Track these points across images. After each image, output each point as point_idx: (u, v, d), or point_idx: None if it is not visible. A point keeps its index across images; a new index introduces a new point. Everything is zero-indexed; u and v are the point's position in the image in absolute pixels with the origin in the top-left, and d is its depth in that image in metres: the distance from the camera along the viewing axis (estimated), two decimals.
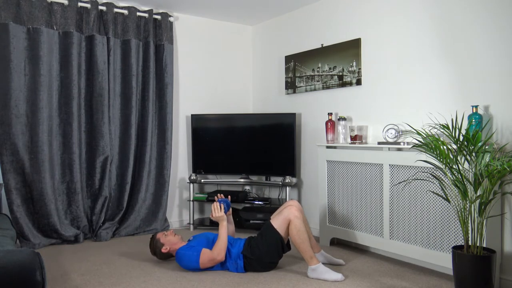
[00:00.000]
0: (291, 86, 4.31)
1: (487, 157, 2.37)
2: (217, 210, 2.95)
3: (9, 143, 3.45)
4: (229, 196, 3.22)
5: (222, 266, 2.94)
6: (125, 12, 3.97)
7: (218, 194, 3.19)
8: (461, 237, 2.66)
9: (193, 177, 4.25)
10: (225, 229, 2.91)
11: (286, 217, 2.85)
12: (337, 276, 2.75)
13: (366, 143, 3.50)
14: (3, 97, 3.42)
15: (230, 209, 3.20)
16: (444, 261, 2.75)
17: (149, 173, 4.11)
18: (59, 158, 3.71)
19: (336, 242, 3.69)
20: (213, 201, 4.18)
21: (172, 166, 4.31)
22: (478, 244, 2.39)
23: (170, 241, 3.04)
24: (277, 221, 2.87)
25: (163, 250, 3.02)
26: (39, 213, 3.57)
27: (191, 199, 4.24)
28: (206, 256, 2.85)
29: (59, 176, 3.70)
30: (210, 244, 2.96)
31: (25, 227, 3.48)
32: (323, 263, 2.89)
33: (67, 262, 3.15)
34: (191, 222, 4.25)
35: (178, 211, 4.47)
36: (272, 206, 4.11)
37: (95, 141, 3.85)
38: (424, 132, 2.58)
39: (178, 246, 3.02)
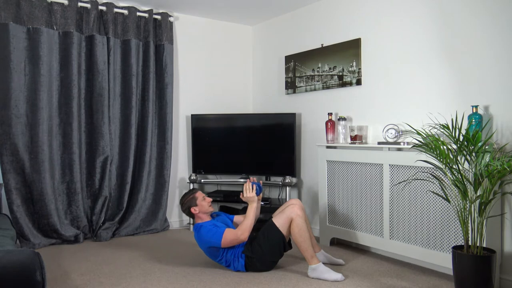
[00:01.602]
0: (291, 86, 4.31)
1: (487, 157, 2.37)
2: (248, 190, 2.94)
3: (9, 143, 3.45)
4: (261, 181, 3.16)
5: (226, 263, 2.94)
6: (125, 12, 3.97)
7: (251, 177, 3.13)
8: (461, 237, 2.66)
9: (193, 177, 4.25)
10: (254, 210, 2.91)
11: (289, 215, 2.85)
12: (337, 276, 2.75)
13: (366, 143, 3.50)
14: (3, 97, 3.42)
15: (261, 194, 3.15)
16: (444, 261, 2.75)
17: (149, 173, 4.11)
18: (59, 158, 3.71)
19: (336, 242, 3.69)
20: (213, 201, 4.21)
21: (172, 166, 4.31)
22: (478, 244, 2.39)
23: (203, 208, 3.00)
24: (279, 220, 2.87)
25: (192, 210, 3.00)
26: (39, 213, 3.57)
27: None
28: (230, 234, 2.83)
29: (59, 176, 3.70)
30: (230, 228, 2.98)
31: (25, 227, 3.48)
32: (323, 263, 2.89)
33: (67, 262, 3.15)
34: (191, 222, 4.25)
35: (178, 211, 4.47)
36: (272, 206, 4.11)
37: (95, 141, 3.85)
38: (424, 132, 2.58)
39: (205, 218, 3.01)
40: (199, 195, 3.04)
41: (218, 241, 2.84)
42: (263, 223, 3.04)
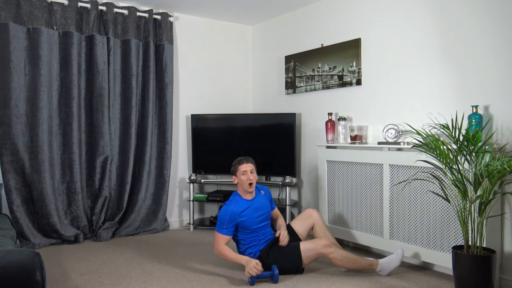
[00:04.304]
0: (291, 86, 4.31)
1: (487, 157, 2.37)
2: (254, 271, 2.66)
3: (9, 143, 3.45)
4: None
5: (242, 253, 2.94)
6: (125, 12, 3.97)
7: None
8: (461, 237, 2.66)
9: (193, 177, 4.25)
10: (239, 262, 2.79)
11: (319, 251, 2.79)
12: (398, 255, 2.81)
13: (366, 143, 3.50)
14: (3, 97, 3.42)
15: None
16: (444, 261, 2.75)
17: (149, 173, 4.11)
18: (59, 158, 3.71)
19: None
20: (213, 201, 4.23)
21: (172, 166, 4.30)
22: (478, 244, 2.39)
23: (241, 183, 2.91)
24: (307, 252, 2.80)
25: (233, 178, 2.96)
26: (39, 213, 3.57)
27: (191, 199, 4.24)
28: (216, 240, 2.82)
29: (59, 176, 3.70)
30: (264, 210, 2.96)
31: (25, 227, 3.48)
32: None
33: (67, 262, 3.15)
34: (191, 222, 4.25)
35: (178, 211, 4.47)
36: None
37: (95, 141, 3.85)
38: (424, 132, 2.58)
39: (242, 193, 2.94)
40: (243, 168, 2.90)
41: (216, 229, 2.86)
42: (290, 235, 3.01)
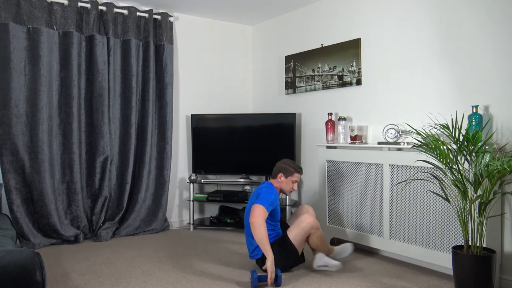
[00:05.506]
0: (291, 86, 4.31)
1: (487, 157, 2.37)
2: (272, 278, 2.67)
3: (9, 143, 3.45)
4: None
5: (252, 250, 2.93)
6: (125, 12, 3.97)
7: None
8: (461, 237, 2.66)
9: (193, 177, 4.24)
10: (267, 251, 2.70)
11: (305, 229, 2.85)
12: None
13: (366, 143, 3.50)
14: (3, 97, 3.42)
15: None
16: (444, 261, 2.75)
17: (149, 173, 4.11)
18: (59, 158, 3.71)
19: (336, 242, 3.68)
20: (213, 201, 4.23)
21: (172, 166, 4.31)
22: (478, 244, 2.39)
23: (285, 186, 3.02)
24: (295, 235, 2.86)
25: (279, 176, 3.01)
26: (39, 213, 3.57)
27: (191, 199, 4.24)
28: (256, 210, 2.75)
29: (59, 176, 3.70)
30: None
31: (25, 227, 3.48)
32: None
33: (67, 262, 3.15)
34: (191, 222, 4.25)
35: (178, 211, 4.47)
36: None
37: (95, 141, 3.85)
38: (424, 132, 2.58)
39: (273, 183, 3.03)
40: (295, 177, 3.02)
41: (258, 202, 2.78)
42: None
